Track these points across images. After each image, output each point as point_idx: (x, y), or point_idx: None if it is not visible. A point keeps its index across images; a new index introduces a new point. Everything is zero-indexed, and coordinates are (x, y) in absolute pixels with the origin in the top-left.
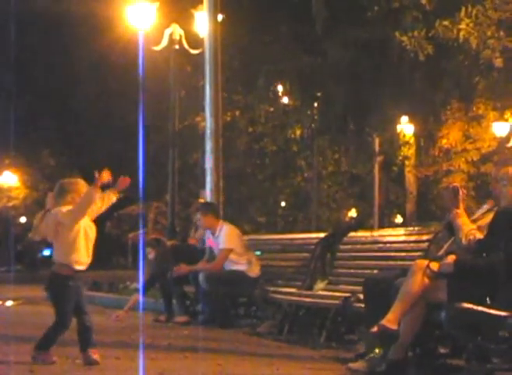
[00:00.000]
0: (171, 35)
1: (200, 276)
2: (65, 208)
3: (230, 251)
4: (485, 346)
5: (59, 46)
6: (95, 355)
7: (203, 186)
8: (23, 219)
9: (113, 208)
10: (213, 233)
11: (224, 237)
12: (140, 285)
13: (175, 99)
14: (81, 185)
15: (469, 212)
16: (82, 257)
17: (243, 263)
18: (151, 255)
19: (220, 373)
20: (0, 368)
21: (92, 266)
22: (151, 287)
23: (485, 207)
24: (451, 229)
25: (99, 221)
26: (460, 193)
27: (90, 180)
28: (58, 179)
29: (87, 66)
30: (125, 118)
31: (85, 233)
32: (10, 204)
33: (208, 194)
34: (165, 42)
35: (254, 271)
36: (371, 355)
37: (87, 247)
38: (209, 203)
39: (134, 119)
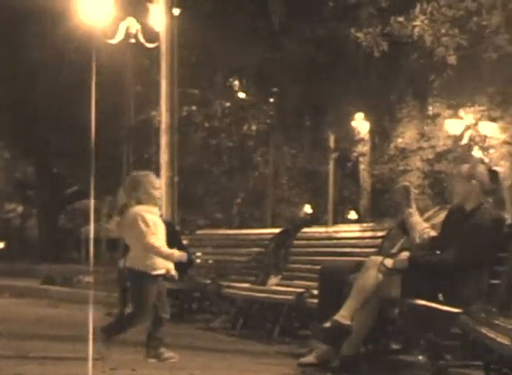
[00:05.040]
0: (127, 29)
1: None
2: (143, 213)
3: None
4: (438, 342)
5: (13, 41)
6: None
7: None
8: None
9: (67, 201)
10: None
11: None
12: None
13: (130, 93)
14: (152, 177)
15: (423, 211)
16: (157, 262)
17: None
18: None
19: (173, 368)
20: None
21: (45, 260)
22: None
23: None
24: (404, 228)
25: (52, 215)
26: (412, 192)
27: (43, 172)
28: (12, 171)
29: (41, 61)
30: (80, 112)
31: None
32: None
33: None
34: (120, 36)
35: None
36: (323, 349)
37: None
38: None
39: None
